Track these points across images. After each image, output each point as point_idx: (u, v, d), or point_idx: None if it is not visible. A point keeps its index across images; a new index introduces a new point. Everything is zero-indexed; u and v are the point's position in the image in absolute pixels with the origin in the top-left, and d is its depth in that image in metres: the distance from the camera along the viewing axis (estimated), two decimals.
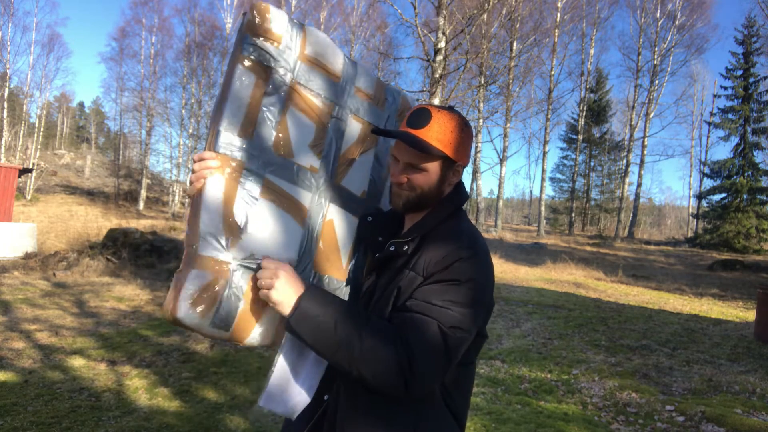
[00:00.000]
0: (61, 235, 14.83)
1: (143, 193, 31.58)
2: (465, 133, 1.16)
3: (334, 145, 1.22)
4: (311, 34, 1.17)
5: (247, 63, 1.08)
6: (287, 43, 1.12)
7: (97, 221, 21.32)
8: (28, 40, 33.15)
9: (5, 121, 29.16)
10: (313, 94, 1.18)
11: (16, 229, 11.76)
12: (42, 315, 6.22)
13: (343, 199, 1.25)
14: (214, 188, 1.06)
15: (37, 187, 30.61)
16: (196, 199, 1.07)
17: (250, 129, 1.09)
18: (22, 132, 32.47)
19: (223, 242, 1.06)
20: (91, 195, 32.61)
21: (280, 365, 1.14)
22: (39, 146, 36.25)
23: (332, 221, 1.23)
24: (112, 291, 8.13)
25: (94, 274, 9.54)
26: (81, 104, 61.11)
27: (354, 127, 1.26)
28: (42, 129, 36.05)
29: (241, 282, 1.07)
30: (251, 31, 1.09)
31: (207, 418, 3.49)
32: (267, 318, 1.12)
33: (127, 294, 7.96)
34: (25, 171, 16.57)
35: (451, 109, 1.18)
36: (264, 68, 1.10)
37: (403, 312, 1.07)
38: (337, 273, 1.24)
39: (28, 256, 10.91)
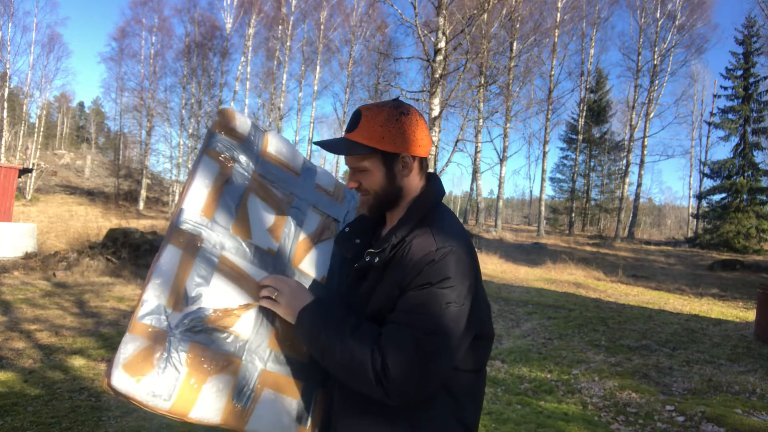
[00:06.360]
0: (61, 235, 14.83)
1: (143, 193, 31.57)
2: (400, 122, 1.14)
3: (293, 231, 1.32)
4: (273, 137, 1.36)
5: (212, 154, 1.23)
6: (250, 141, 1.30)
7: (97, 221, 21.31)
8: (28, 40, 33.05)
9: (5, 121, 29.15)
10: (273, 186, 1.32)
11: (16, 229, 11.76)
12: (42, 315, 6.23)
13: (303, 281, 1.30)
14: (170, 259, 1.12)
15: (37, 187, 30.60)
16: (153, 264, 1.13)
17: (211, 209, 1.20)
18: (22, 132, 32.46)
19: (164, 311, 1.08)
20: (91, 195, 32.61)
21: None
22: (39, 146, 36.24)
23: None
24: (112, 291, 8.13)
25: (95, 274, 9.54)
26: (81, 104, 61.19)
27: (313, 218, 1.37)
28: (42, 129, 36.04)
29: (181, 351, 1.07)
30: (218, 128, 1.27)
31: None
32: (213, 391, 1.09)
33: (127, 294, 7.96)
34: (25, 171, 16.57)
35: (391, 101, 1.18)
36: (227, 160, 1.25)
37: (386, 324, 1.08)
38: (291, 351, 1.23)
39: (28, 256, 10.90)
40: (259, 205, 1.28)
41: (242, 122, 1.30)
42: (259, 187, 1.29)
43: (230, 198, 1.23)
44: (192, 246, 1.14)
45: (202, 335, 1.10)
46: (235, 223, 1.22)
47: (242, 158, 1.27)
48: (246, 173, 1.27)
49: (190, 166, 31.26)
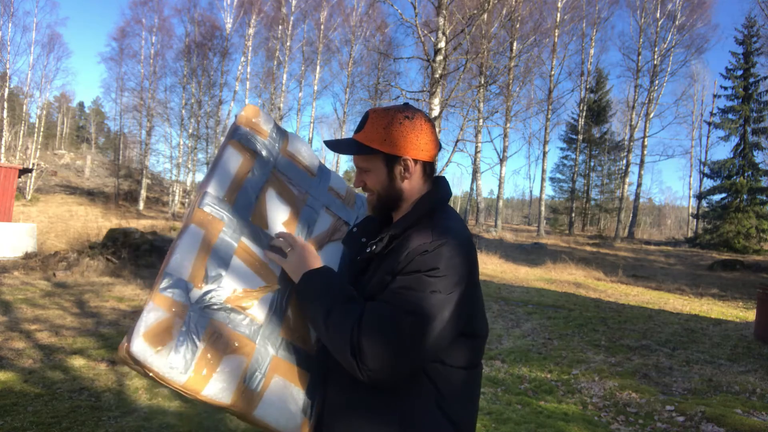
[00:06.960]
0: (61, 235, 14.83)
1: (143, 193, 31.57)
2: (403, 126, 1.17)
3: (305, 228, 1.37)
4: (293, 137, 1.42)
5: (236, 145, 1.29)
6: (272, 138, 1.37)
7: (97, 221, 21.31)
8: (28, 40, 33.15)
9: (5, 121, 29.14)
10: (290, 183, 1.37)
11: (16, 229, 11.76)
12: (42, 315, 6.23)
13: None
14: (191, 238, 1.15)
15: (37, 187, 30.60)
16: (175, 241, 1.15)
17: (233, 196, 1.24)
18: (22, 132, 32.44)
19: (185, 286, 1.10)
20: (91, 195, 32.61)
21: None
22: (39, 146, 36.24)
23: None
24: (112, 291, 8.13)
25: (95, 274, 9.54)
26: (81, 104, 61.17)
27: (325, 218, 1.42)
28: (42, 129, 36.03)
29: (200, 327, 1.09)
30: (243, 122, 1.32)
31: (207, 418, 3.49)
32: (227, 370, 1.10)
33: (127, 294, 7.96)
34: (25, 171, 16.57)
35: (399, 105, 1.21)
36: (250, 152, 1.31)
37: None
38: (300, 341, 1.25)
39: (28, 256, 10.90)
40: (276, 199, 1.33)
41: (266, 120, 1.37)
42: (277, 182, 1.34)
43: (251, 188, 1.28)
44: (214, 228, 1.18)
45: (220, 313, 1.13)
46: (254, 212, 1.27)
47: (263, 153, 1.33)
48: (266, 167, 1.33)
49: (190, 166, 31.29)
